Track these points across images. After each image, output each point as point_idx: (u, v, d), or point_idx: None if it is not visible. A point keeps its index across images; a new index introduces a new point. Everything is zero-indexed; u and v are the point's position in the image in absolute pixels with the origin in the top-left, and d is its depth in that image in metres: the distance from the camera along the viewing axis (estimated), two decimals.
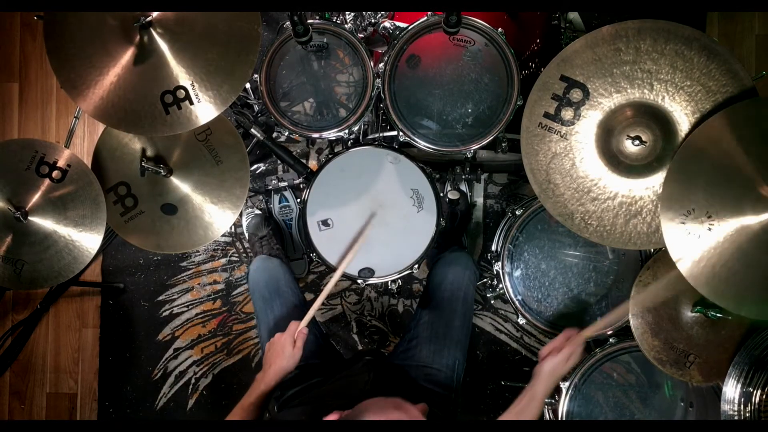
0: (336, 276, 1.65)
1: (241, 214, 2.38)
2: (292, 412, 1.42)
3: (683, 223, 1.30)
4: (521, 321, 1.78)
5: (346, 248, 1.69)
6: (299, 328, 1.53)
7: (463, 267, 1.74)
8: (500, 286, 1.80)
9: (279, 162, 2.35)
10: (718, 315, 1.49)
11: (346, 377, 1.52)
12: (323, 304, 2.41)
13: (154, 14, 1.39)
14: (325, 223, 1.74)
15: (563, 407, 1.67)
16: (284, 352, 1.48)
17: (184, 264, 2.48)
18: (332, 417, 1.16)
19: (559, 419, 1.68)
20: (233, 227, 2.42)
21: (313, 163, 2.37)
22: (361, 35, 1.87)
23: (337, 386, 1.49)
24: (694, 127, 1.36)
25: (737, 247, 1.29)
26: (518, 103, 1.63)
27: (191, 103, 1.41)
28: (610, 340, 1.69)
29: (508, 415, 1.44)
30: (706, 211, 1.30)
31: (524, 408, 1.43)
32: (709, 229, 1.29)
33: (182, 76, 1.41)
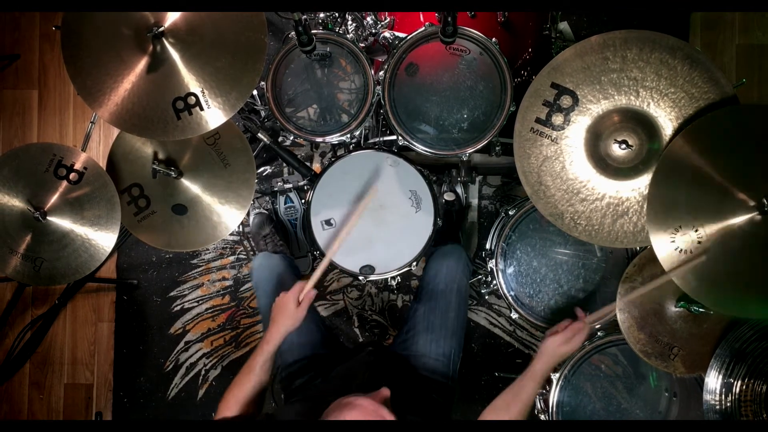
0: (337, 245, 1.58)
1: (248, 214, 2.38)
2: (292, 408, 1.41)
3: (673, 241, 1.30)
4: (514, 315, 1.78)
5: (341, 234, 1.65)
6: (306, 290, 1.46)
7: (456, 259, 1.73)
8: (494, 282, 1.80)
9: (284, 165, 2.34)
10: (701, 310, 1.49)
11: (346, 373, 1.51)
12: (326, 299, 2.42)
13: (167, 24, 1.39)
14: (328, 222, 1.74)
15: (554, 397, 1.67)
16: (287, 310, 1.42)
17: (195, 261, 2.48)
18: None
19: (550, 408, 1.68)
20: (241, 226, 2.42)
21: (316, 166, 2.37)
22: (362, 45, 1.87)
23: (337, 383, 1.48)
24: (677, 132, 1.36)
25: (728, 254, 1.28)
26: (511, 109, 1.63)
27: (201, 109, 1.42)
28: (599, 333, 1.69)
29: (508, 394, 1.41)
30: (693, 226, 1.29)
31: (524, 385, 1.40)
32: (699, 242, 1.29)
33: (193, 84, 1.41)
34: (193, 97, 1.41)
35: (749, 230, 1.27)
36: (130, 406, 2.48)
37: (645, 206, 1.37)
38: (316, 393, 1.49)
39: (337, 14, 1.94)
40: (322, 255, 1.73)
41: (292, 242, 2.40)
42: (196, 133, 1.43)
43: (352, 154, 1.74)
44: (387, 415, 1.12)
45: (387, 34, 1.84)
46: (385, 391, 1.17)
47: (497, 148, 1.80)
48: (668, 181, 1.31)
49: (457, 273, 1.72)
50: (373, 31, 1.90)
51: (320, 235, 1.74)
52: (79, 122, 2.56)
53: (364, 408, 1.11)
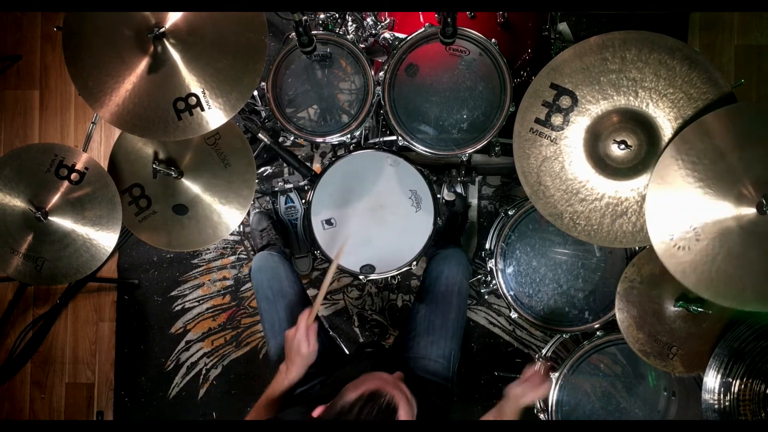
0: (333, 266, 1.59)
1: (248, 214, 2.38)
2: (293, 411, 1.41)
3: (671, 239, 1.30)
4: (513, 315, 1.78)
5: (342, 242, 1.69)
6: (308, 323, 1.47)
7: (458, 263, 1.74)
8: (494, 282, 1.80)
9: (285, 165, 2.34)
10: (699, 309, 1.49)
11: (345, 378, 1.50)
12: (327, 299, 2.42)
13: (167, 25, 1.39)
14: (328, 222, 1.74)
15: (553, 396, 1.67)
16: (302, 351, 1.45)
17: (195, 261, 2.48)
18: (318, 411, 1.17)
19: (549, 408, 1.68)
20: (241, 226, 2.42)
21: (317, 166, 2.37)
22: (363, 45, 1.87)
23: (338, 387, 1.48)
24: (677, 132, 1.36)
25: (727, 253, 1.28)
26: (511, 109, 1.63)
27: (202, 109, 1.42)
28: (598, 333, 1.69)
29: None
30: (691, 225, 1.29)
31: None
32: (697, 240, 1.29)
33: (194, 84, 1.41)
34: (193, 98, 1.41)
35: (748, 229, 1.27)
36: (131, 405, 2.48)
37: (644, 206, 1.37)
38: (316, 396, 1.49)
39: (337, 15, 1.94)
40: (323, 254, 1.73)
41: (292, 242, 2.40)
42: (196, 134, 1.43)
43: (353, 154, 1.74)
44: (405, 389, 1.13)
45: (387, 34, 1.84)
46: (400, 374, 1.19)
47: (497, 149, 1.80)
48: (667, 180, 1.31)
49: (459, 275, 1.72)
50: (373, 31, 1.90)
51: (320, 234, 1.74)
52: (81, 123, 2.56)
53: (385, 380, 1.13)
